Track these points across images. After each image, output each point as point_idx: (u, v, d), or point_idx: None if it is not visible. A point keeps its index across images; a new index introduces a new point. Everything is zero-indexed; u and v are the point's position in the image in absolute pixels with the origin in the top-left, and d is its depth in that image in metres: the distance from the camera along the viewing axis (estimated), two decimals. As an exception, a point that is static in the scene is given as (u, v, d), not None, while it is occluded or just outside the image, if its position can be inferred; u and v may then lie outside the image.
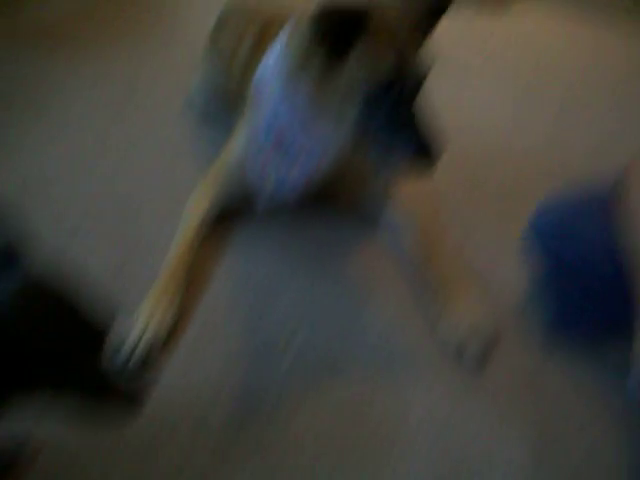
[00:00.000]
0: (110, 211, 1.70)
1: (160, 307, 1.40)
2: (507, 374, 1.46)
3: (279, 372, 1.36)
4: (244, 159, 1.61)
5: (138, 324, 1.35)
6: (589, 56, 3.79)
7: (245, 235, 1.71)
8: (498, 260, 1.79)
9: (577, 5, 4.66)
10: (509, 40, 3.60)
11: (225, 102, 2.00)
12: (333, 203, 1.84)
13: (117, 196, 1.75)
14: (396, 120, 1.34)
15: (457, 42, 3.28)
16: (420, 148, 1.32)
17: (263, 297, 1.53)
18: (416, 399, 1.36)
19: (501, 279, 1.72)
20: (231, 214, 1.72)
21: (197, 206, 1.65)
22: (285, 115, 1.48)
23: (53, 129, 1.97)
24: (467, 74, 3.00)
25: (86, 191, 1.75)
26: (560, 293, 1.52)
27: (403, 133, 1.34)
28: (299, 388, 1.34)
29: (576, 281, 1.44)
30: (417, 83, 1.37)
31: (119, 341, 1.29)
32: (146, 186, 1.82)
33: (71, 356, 0.78)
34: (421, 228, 1.72)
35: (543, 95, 2.99)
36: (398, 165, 1.38)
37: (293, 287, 1.58)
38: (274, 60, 1.50)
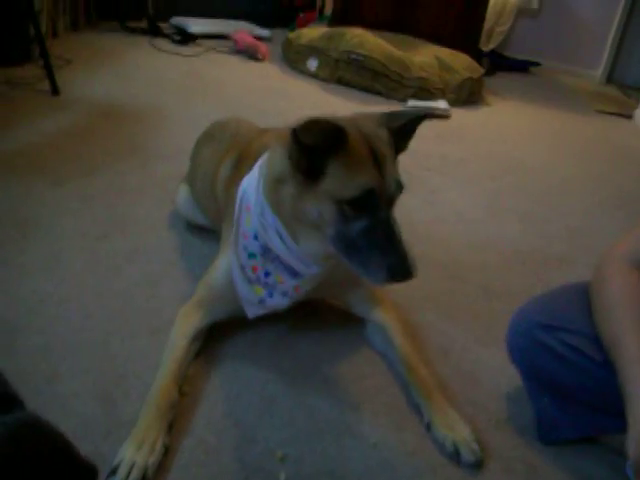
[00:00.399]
0: (101, 331, 1.69)
1: (152, 431, 1.35)
2: (505, 469, 1.45)
3: (277, 485, 1.33)
4: (231, 276, 1.62)
5: (130, 450, 1.30)
6: (556, 142, 3.98)
7: (237, 350, 1.71)
8: (488, 353, 1.82)
9: (541, 100, 4.93)
10: (482, 135, 3.77)
11: (209, 217, 2.06)
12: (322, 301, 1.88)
13: (106, 316, 1.75)
14: (371, 239, 1.36)
15: (432, 140, 3.45)
16: (394, 268, 1.34)
17: (257, 411, 1.52)
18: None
19: (490, 374, 1.74)
20: (222, 324, 1.73)
21: (186, 323, 1.64)
22: (269, 229, 1.52)
23: (41, 248, 1.99)
24: (442, 173, 3.11)
25: (76, 311, 1.75)
26: (548, 392, 1.51)
27: (378, 252, 1.35)
28: (297, 501, 1.31)
29: (563, 376, 1.44)
30: (391, 199, 1.41)
31: (113, 469, 1.28)
32: (135, 302, 1.83)
33: None
34: (404, 333, 1.74)
35: (515, 187, 3.11)
36: (375, 281, 1.40)
37: (287, 399, 1.57)
38: (257, 175, 1.56)
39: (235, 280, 1.61)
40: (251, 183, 1.57)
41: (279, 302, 1.63)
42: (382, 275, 1.35)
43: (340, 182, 1.35)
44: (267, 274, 1.58)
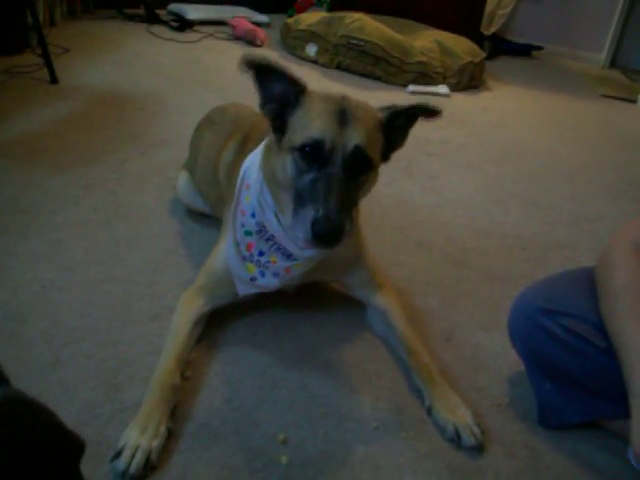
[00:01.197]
0: (103, 317, 1.70)
1: (155, 415, 1.36)
2: (507, 453, 1.46)
3: (279, 467, 1.34)
4: (231, 262, 1.63)
5: (134, 434, 1.31)
6: (559, 126, 3.97)
7: (238, 336, 1.72)
8: (490, 338, 1.82)
9: (544, 85, 4.91)
10: (483, 120, 3.75)
11: (210, 203, 2.06)
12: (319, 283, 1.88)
13: (109, 302, 1.76)
14: (312, 192, 1.35)
15: (433, 125, 3.44)
16: (318, 224, 1.30)
17: (258, 395, 1.53)
18: (417, 488, 1.35)
19: (492, 359, 1.75)
20: (223, 310, 1.73)
21: (188, 308, 1.65)
22: (266, 207, 1.54)
23: (42, 236, 2.00)
24: (442, 159, 3.10)
25: (79, 298, 1.76)
26: (549, 377, 1.52)
27: (311, 205, 1.33)
28: (300, 484, 1.32)
29: (565, 361, 1.44)
30: (348, 161, 1.38)
31: (116, 452, 1.28)
32: (137, 288, 1.83)
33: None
34: (405, 317, 1.75)
35: (518, 173, 3.10)
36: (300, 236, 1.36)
37: (289, 383, 1.57)
38: (255, 161, 1.57)
39: (229, 257, 1.61)
40: (254, 161, 1.58)
41: (270, 282, 1.63)
42: (306, 229, 1.32)
43: (295, 131, 1.41)
44: (261, 253, 1.59)
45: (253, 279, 1.63)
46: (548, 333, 1.44)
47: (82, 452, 0.79)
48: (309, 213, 1.32)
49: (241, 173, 1.61)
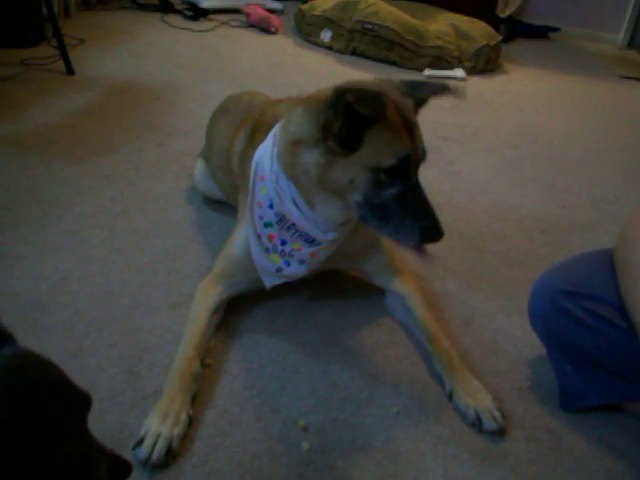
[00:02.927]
0: (123, 306, 1.71)
1: (176, 402, 1.37)
2: (528, 437, 1.45)
3: (301, 453, 1.34)
4: (248, 248, 1.63)
5: (156, 422, 1.32)
6: (577, 109, 3.92)
7: (257, 323, 1.72)
8: (509, 322, 1.81)
9: (561, 67, 4.85)
10: (500, 104, 3.72)
11: (225, 191, 2.06)
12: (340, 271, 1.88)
13: (128, 291, 1.77)
14: (402, 204, 1.40)
15: (449, 109, 3.41)
16: (426, 230, 1.40)
17: (279, 382, 1.53)
18: (439, 469, 1.35)
19: (512, 343, 1.74)
20: (241, 298, 1.74)
21: (206, 296, 1.65)
22: (284, 196, 1.52)
23: (62, 226, 2.01)
24: (459, 143, 3.08)
25: (98, 287, 1.77)
26: (570, 359, 1.50)
27: (410, 216, 1.40)
28: (321, 467, 1.32)
29: (586, 343, 1.43)
30: (418, 165, 1.44)
31: (139, 440, 1.30)
32: (156, 277, 1.84)
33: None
34: (424, 303, 1.74)
35: (536, 156, 3.07)
36: (406, 245, 1.45)
37: (309, 369, 1.58)
38: (271, 144, 1.55)
39: (252, 250, 1.61)
40: (265, 152, 1.57)
41: (297, 270, 1.63)
42: (415, 237, 1.41)
43: (378, 150, 1.37)
44: (284, 242, 1.59)
45: (279, 269, 1.63)
46: (569, 315, 1.42)
47: (89, 405, 0.82)
48: (412, 224, 1.40)
49: (253, 165, 1.60)
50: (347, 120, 1.33)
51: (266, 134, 1.63)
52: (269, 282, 1.67)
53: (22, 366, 0.76)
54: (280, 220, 1.56)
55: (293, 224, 1.55)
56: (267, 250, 1.61)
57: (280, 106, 1.74)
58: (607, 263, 1.45)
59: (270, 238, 1.59)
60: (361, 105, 1.29)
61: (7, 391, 0.72)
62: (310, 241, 1.57)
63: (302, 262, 1.62)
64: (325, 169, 1.41)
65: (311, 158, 1.43)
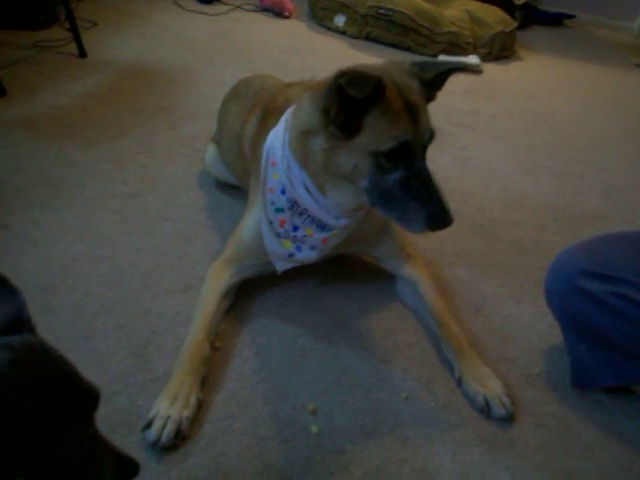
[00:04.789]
0: (133, 288, 1.72)
1: (186, 385, 1.38)
2: (537, 424, 1.45)
3: (309, 436, 1.35)
4: (259, 232, 1.62)
5: (165, 404, 1.33)
6: (592, 97, 3.88)
7: (267, 307, 1.73)
8: (520, 309, 1.80)
9: (577, 54, 4.80)
10: (515, 90, 3.69)
11: (237, 175, 2.06)
12: (351, 256, 1.88)
13: (138, 274, 1.78)
14: (407, 189, 1.37)
15: (463, 95, 3.39)
16: (433, 216, 1.36)
17: (288, 366, 1.54)
18: (447, 455, 1.35)
19: (522, 330, 1.73)
20: (251, 282, 1.74)
21: (217, 280, 1.65)
22: (296, 182, 1.51)
23: (73, 209, 2.02)
24: (473, 129, 3.06)
25: (109, 269, 1.78)
26: (585, 339, 1.49)
27: (415, 201, 1.36)
28: (330, 451, 1.33)
29: (604, 324, 1.41)
30: (424, 148, 1.41)
31: (148, 422, 1.31)
32: (167, 260, 1.85)
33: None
34: (435, 288, 1.74)
35: (550, 143, 3.05)
36: (415, 230, 1.41)
37: (318, 353, 1.58)
38: (283, 129, 1.54)
39: (264, 235, 1.61)
40: (277, 137, 1.56)
41: (308, 255, 1.63)
42: (422, 224, 1.37)
43: (377, 135, 1.34)
44: (295, 228, 1.58)
45: (291, 255, 1.63)
46: (588, 295, 1.40)
47: (96, 403, 0.80)
48: (418, 210, 1.36)
49: (265, 151, 1.59)
50: (343, 104, 1.32)
51: (278, 118, 1.61)
52: (280, 266, 1.67)
53: (27, 359, 0.74)
54: (292, 206, 1.55)
55: (305, 210, 1.54)
56: (279, 235, 1.60)
57: (292, 90, 1.72)
58: (630, 244, 1.44)
59: (281, 223, 1.59)
60: (353, 88, 1.26)
61: (6, 385, 0.70)
62: (322, 227, 1.56)
63: (313, 248, 1.61)
64: (330, 155, 1.40)
65: (317, 145, 1.42)
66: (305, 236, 1.59)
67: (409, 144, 1.35)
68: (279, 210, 1.57)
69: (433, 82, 1.47)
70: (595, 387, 1.51)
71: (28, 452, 0.70)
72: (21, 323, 0.81)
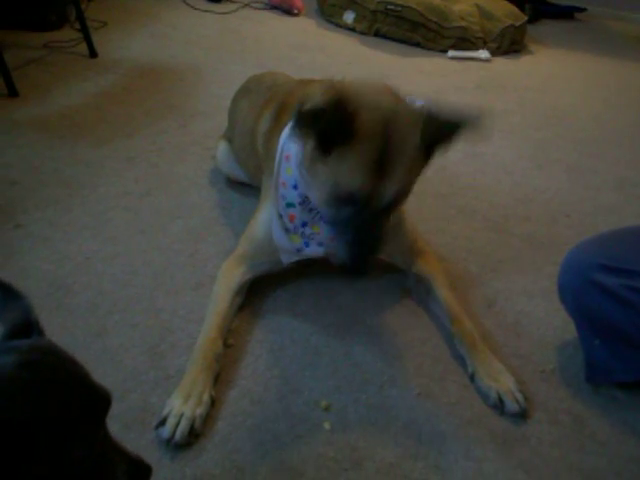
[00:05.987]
0: (146, 286, 1.73)
1: (199, 383, 1.38)
2: (551, 420, 1.44)
3: (322, 433, 1.35)
4: (271, 229, 1.63)
5: (178, 402, 1.33)
6: (604, 91, 3.85)
7: (279, 304, 1.73)
8: (532, 304, 1.80)
9: (588, 48, 4.77)
10: (525, 85, 3.67)
11: (249, 172, 2.06)
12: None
13: (151, 271, 1.78)
14: (347, 229, 1.40)
15: (473, 90, 3.38)
16: (351, 264, 1.42)
17: (301, 362, 1.54)
18: (460, 452, 1.35)
19: (535, 326, 1.72)
20: (264, 279, 1.74)
21: (229, 277, 1.66)
22: (301, 182, 1.52)
23: (86, 208, 2.04)
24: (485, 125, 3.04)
25: (122, 268, 1.79)
26: (599, 334, 1.48)
27: (347, 244, 1.40)
28: (342, 447, 1.33)
29: (619, 319, 1.40)
30: (385, 205, 1.39)
31: (161, 420, 1.31)
32: (179, 257, 1.85)
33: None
34: (447, 284, 1.74)
35: (561, 138, 3.03)
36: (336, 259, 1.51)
37: (331, 350, 1.58)
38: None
39: (273, 229, 1.62)
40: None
41: (315, 251, 1.64)
42: (342, 256, 1.44)
43: (339, 171, 1.34)
44: (304, 224, 1.58)
45: (299, 250, 1.64)
46: (602, 289, 1.39)
47: (107, 406, 0.80)
48: (344, 245, 1.42)
49: (280, 145, 1.59)
50: (310, 130, 1.32)
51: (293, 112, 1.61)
52: (286, 259, 1.67)
53: (36, 361, 0.74)
54: (303, 201, 1.56)
55: (313, 206, 1.55)
56: (288, 230, 1.61)
57: (309, 87, 1.70)
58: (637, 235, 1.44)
59: (291, 218, 1.59)
60: (298, 124, 1.27)
61: (16, 387, 0.70)
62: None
63: (321, 244, 1.62)
64: (312, 162, 1.41)
65: (309, 148, 1.42)
66: (313, 233, 1.59)
67: (358, 198, 1.34)
68: (290, 205, 1.57)
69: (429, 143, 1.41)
70: (609, 382, 1.50)
71: (39, 454, 0.70)
72: (29, 327, 0.81)
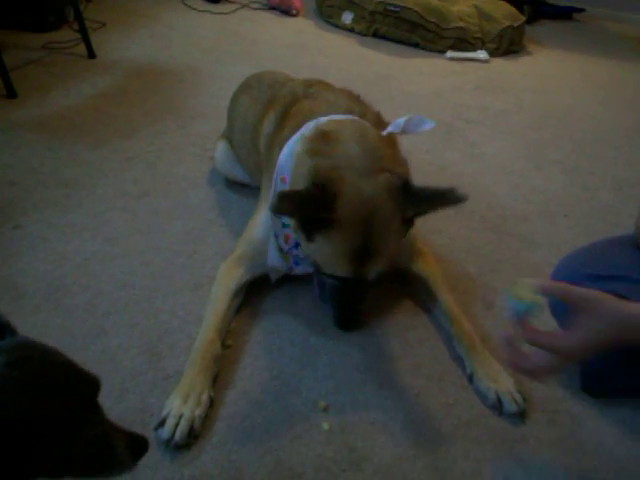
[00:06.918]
0: (145, 287, 1.73)
1: (198, 384, 1.38)
2: (549, 421, 1.45)
3: (321, 433, 1.35)
4: (269, 231, 1.63)
5: (177, 403, 1.33)
6: (602, 91, 3.86)
7: (277, 305, 1.73)
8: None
9: (587, 49, 4.77)
10: (524, 86, 3.67)
11: (249, 169, 2.06)
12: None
13: (150, 272, 1.78)
14: (333, 295, 1.52)
15: (472, 91, 3.38)
16: (339, 322, 1.62)
17: (299, 363, 1.54)
18: (459, 452, 1.35)
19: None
20: (262, 280, 1.74)
21: (227, 278, 1.66)
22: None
23: (84, 208, 2.04)
24: (482, 125, 3.05)
25: (120, 268, 1.79)
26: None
27: (334, 306, 1.57)
28: (341, 448, 1.33)
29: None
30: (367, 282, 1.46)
31: (160, 421, 1.31)
32: (177, 258, 1.85)
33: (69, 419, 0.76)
34: (446, 285, 1.74)
35: (559, 138, 3.03)
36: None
37: (329, 351, 1.58)
38: (290, 153, 1.54)
39: (268, 248, 1.63)
40: (289, 155, 1.54)
41: (305, 270, 1.66)
42: (334, 321, 1.62)
43: (321, 254, 1.42)
44: (297, 245, 1.58)
45: (290, 269, 1.67)
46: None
47: (98, 388, 0.82)
48: (331, 306, 1.59)
49: (278, 164, 1.58)
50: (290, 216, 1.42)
51: (295, 126, 1.60)
52: (274, 277, 1.73)
53: (24, 358, 0.75)
54: None
55: None
56: (281, 250, 1.63)
57: (315, 103, 1.69)
58: (628, 244, 1.44)
59: (286, 239, 1.60)
60: (278, 208, 1.29)
61: (10, 386, 0.71)
62: None
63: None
64: (298, 233, 1.48)
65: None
66: (305, 257, 1.60)
67: (344, 280, 1.44)
68: (286, 226, 1.58)
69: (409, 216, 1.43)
70: (605, 391, 1.50)
71: (52, 441, 0.73)
72: (1, 328, 0.81)
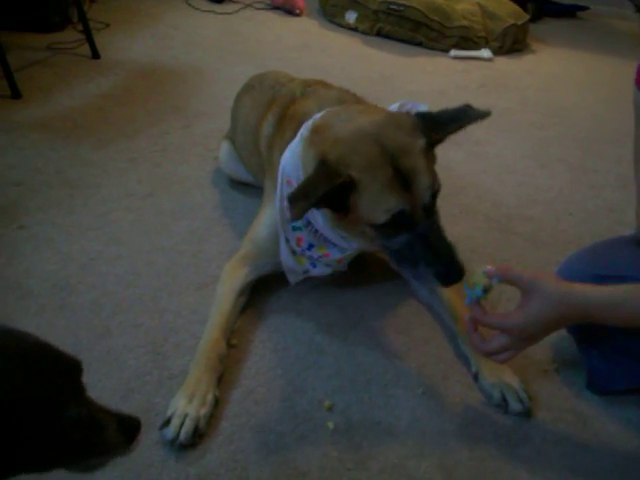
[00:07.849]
0: (150, 287, 1.73)
1: (203, 383, 1.38)
2: (554, 419, 1.44)
3: (326, 433, 1.35)
4: (274, 230, 1.63)
5: (182, 403, 1.33)
6: (607, 90, 3.85)
7: (282, 304, 1.73)
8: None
9: (591, 47, 4.76)
10: (528, 84, 3.67)
11: (252, 169, 2.06)
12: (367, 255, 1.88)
13: (155, 272, 1.79)
14: (414, 251, 1.37)
15: (476, 90, 3.37)
16: (442, 276, 1.37)
17: (304, 362, 1.54)
18: (464, 450, 1.35)
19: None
20: (267, 279, 1.74)
21: (232, 278, 1.66)
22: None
23: (89, 209, 2.04)
24: (487, 124, 3.04)
25: (125, 268, 1.79)
26: (597, 346, 1.48)
27: (424, 262, 1.36)
28: (346, 447, 1.33)
29: (614, 328, 1.37)
30: (427, 209, 1.37)
31: (166, 420, 1.31)
32: (182, 258, 1.86)
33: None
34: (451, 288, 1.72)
35: (564, 137, 3.03)
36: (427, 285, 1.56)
37: (334, 350, 1.59)
38: (294, 156, 1.52)
39: (281, 251, 1.61)
40: (292, 157, 1.52)
41: (322, 271, 1.65)
42: (432, 281, 1.41)
43: (368, 210, 1.34)
44: (310, 246, 1.58)
45: (306, 271, 1.65)
46: None
47: (80, 370, 0.82)
48: (427, 269, 1.36)
49: (280, 167, 1.56)
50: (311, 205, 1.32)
51: (295, 128, 1.59)
52: (293, 279, 1.68)
53: (3, 345, 0.75)
54: (308, 224, 1.55)
55: (317, 230, 1.55)
56: (294, 252, 1.61)
57: (309, 101, 1.69)
58: (632, 245, 1.44)
59: (299, 241, 1.59)
60: (297, 206, 1.28)
61: None
62: (335, 245, 1.58)
63: (328, 265, 1.64)
64: (336, 221, 1.45)
65: (319, 213, 1.47)
66: (321, 256, 1.60)
67: (404, 213, 1.32)
68: (296, 228, 1.57)
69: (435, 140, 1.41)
70: (610, 390, 1.50)
71: (37, 423, 0.73)
72: None
